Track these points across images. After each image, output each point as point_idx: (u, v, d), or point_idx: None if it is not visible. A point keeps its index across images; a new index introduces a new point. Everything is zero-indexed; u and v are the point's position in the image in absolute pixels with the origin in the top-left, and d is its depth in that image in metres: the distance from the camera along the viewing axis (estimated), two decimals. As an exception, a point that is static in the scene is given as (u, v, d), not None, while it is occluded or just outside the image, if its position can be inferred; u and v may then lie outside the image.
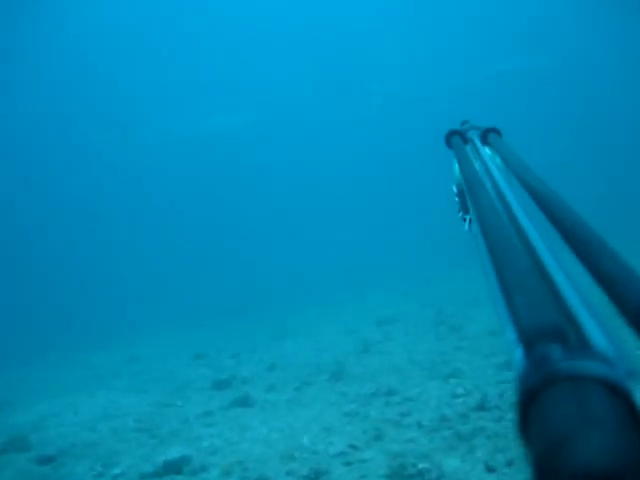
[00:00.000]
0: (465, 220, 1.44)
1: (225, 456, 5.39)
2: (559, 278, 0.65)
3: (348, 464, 4.77)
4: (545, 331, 0.50)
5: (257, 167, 32.13)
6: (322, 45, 31.74)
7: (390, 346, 8.67)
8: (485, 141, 1.47)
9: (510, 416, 5.07)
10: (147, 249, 29.36)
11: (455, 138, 1.53)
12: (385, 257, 21.22)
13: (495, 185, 1.08)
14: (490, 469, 4.27)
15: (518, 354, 0.50)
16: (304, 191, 32.38)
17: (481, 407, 5.38)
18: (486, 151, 1.38)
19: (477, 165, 1.25)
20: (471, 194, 1.02)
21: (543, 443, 0.40)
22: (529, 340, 0.50)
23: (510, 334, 0.54)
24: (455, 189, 1.58)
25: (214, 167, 31.85)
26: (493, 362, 6.78)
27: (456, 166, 1.45)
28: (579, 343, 0.50)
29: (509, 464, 4.29)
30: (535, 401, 0.43)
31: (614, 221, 13.54)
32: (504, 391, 5.68)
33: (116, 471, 5.48)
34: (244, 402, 6.98)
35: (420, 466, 4.45)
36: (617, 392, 0.43)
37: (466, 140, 1.51)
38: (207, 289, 21.40)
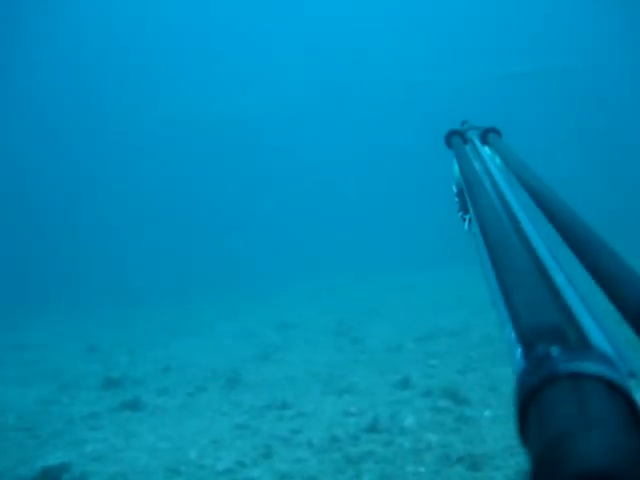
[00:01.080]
0: (464, 220, 1.45)
1: (108, 464, 5.20)
2: (559, 278, 0.67)
3: (234, 483, 4.70)
4: (544, 331, 0.51)
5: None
6: (325, 45, 31.43)
7: (289, 354, 8.63)
8: (485, 141, 1.50)
9: (399, 441, 5.12)
10: (54, 228, 28.06)
11: (455, 138, 1.54)
12: (294, 258, 21.14)
13: (495, 185, 1.10)
14: (375, 496, 4.29)
15: (517, 354, 0.51)
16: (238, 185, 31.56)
17: (372, 429, 5.40)
18: (486, 151, 1.40)
19: (477, 165, 1.27)
20: (470, 194, 1.04)
21: (542, 443, 0.40)
22: (528, 340, 0.51)
23: (509, 333, 0.55)
24: (455, 189, 1.59)
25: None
26: (389, 380, 6.83)
27: (456, 166, 1.46)
28: (579, 343, 0.50)
29: (394, 492, 4.32)
30: (534, 401, 0.44)
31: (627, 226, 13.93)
32: (396, 413, 5.73)
33: (-10, 473, 5.21)
34: (134, 405, 6.76)
35: (306, 490, 4.43)
36: (617, 391, 0.43)
37: (466, 140, 1.54)
38: (106, 274, 20.71)
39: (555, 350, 0.47)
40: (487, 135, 1.51)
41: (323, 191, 29.77)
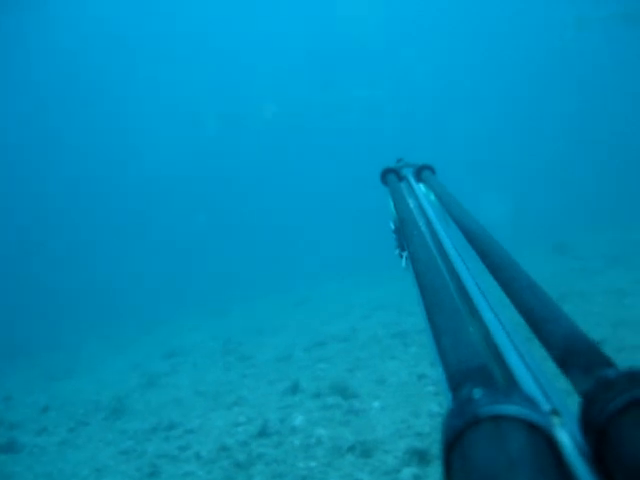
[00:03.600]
0: (402, 257, 1.45)
1: (-21, 510, 4.80)
2: (487, 316, 0.68)
3: (118, 506, 4.43)
4: (470, 373, 0.51)
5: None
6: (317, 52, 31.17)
7: (176, 379, 8.33)
8: (419, 178, 1.51)
9: (289, 440, 5.01)
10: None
11: (390, 176, 1.55)
12: (183, 286, 20.63)
13: (429, 223, 1.12)
14: (267, 496, 4.15)
15: (448, 397, 0.51)
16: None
17: (262, 434, 5.26)
18: (420, 188, 1.42)
19: (411, 202, 1.28)
20: (404, 233, 1.04)
21: None
22: (455, 382, 0.51)
23: (441, 376, 0.55)
24: (392, 225, 1.59)
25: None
26: (278, 388, 6.71)
27: (391, 203, 1.46)
28: (504, 383, 0.52)
29: (286, 489, 4.20)
30: (458, 444, 0.43)
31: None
32: (286, 416, 5.62)
33: None
34: (10, 448, 6.30)
35: (194, 500, 4.23)
36: (538, 431, 0.43)
37: (401, 177, 1.55)
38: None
39: (478, 392, 0.47)
40: (421, 172, 1.53)
41: (215, 214, 29.33)
